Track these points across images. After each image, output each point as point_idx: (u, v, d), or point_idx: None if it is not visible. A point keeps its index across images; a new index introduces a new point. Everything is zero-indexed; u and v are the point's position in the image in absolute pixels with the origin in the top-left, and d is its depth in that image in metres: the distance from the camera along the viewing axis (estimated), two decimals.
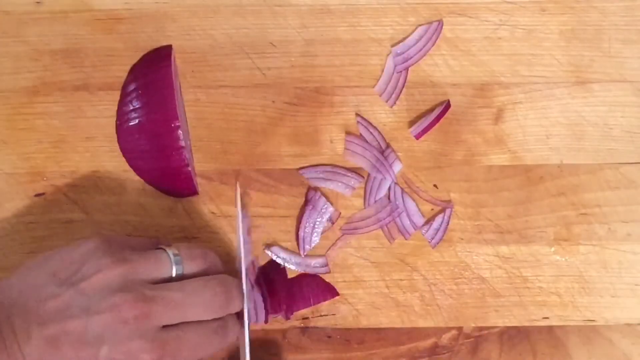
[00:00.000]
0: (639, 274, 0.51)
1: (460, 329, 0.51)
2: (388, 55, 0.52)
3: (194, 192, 0.51)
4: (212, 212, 0.51)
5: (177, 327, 0.42)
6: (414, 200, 0.51)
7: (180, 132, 0.49)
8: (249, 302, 0.49)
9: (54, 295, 0.41)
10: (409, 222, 0.51)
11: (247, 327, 0.46)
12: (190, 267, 0.44)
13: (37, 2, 0.53)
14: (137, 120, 0.50)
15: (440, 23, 0.52)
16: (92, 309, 0.40)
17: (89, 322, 0.40)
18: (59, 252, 0.43)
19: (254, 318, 0.50)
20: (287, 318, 0.50)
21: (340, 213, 0.51)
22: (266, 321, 0.50)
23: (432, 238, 0.51)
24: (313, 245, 0.51)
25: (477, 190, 0.51)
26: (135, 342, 0.41)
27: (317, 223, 0.51)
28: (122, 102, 0.51)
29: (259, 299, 0.50)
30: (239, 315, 0.47)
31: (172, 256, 0.44)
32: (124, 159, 0.51)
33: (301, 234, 0.51)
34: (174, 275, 0.44)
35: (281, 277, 0.51)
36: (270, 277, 0.51)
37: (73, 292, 0.41)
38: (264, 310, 0.50)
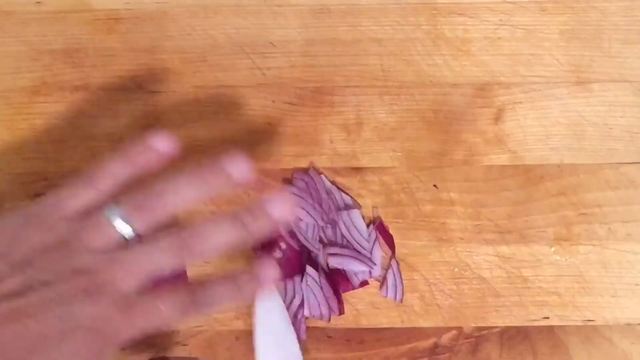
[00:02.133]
0: (639, 274, 0.51)
1: (460, 329, 0.51)
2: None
3: None
4: (212, 212, 0.51)
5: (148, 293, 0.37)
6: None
7: None
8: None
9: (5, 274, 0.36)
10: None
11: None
12: (142, 223, 0.37)
13: (37, 2, 0.53)
14: None
15: None
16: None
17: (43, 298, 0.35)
18: None
19: (320, 314, 0.49)
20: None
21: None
22: (329, 320, 0.50)
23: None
24: None
25: (477, 190, 0.51)
26: (100, 308, 0.36)
27: None
28: None
29: (328, 295, 0.50)
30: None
31: (110, 213, 0.37)
32: None
33: None
34: (125, 236, 0.37)
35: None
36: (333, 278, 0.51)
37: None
38: (332, 309, 0.50)
